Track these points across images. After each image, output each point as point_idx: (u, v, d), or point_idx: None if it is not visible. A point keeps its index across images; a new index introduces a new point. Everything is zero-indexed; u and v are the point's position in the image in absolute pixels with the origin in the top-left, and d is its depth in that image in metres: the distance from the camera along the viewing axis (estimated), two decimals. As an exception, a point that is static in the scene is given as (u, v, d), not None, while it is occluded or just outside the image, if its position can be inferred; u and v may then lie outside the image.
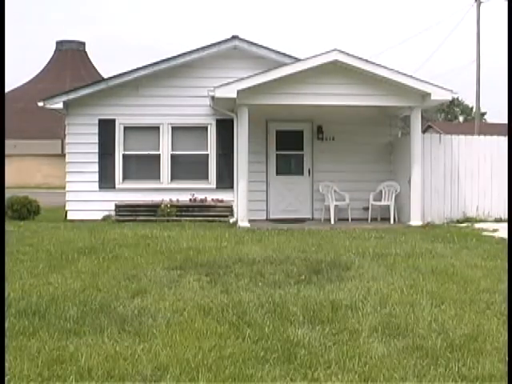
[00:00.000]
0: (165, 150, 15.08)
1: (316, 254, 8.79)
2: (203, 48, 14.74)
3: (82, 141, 14.90)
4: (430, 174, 14.18)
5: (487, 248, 9.54)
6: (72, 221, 14.12)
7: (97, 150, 14.95)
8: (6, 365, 4.02)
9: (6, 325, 4.87)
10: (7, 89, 41.18)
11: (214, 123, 15.06)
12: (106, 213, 14.50)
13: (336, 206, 14.47)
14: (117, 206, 14.54)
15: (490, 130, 30.83)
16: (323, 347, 4.51)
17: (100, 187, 14.91)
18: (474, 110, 40.35)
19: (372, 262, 8.05)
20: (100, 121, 14.94)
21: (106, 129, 14.92)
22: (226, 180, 14.85)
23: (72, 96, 14.78)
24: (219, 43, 14.79)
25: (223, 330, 4.92)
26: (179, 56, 14.82)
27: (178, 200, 14.58)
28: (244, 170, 13.40)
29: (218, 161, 15.08)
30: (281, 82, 13.10)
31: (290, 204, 15.36)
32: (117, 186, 14.95)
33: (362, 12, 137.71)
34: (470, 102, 63.84)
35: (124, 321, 5.16)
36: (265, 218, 15.07)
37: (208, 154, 15.10)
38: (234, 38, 14.80)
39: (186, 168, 15.11)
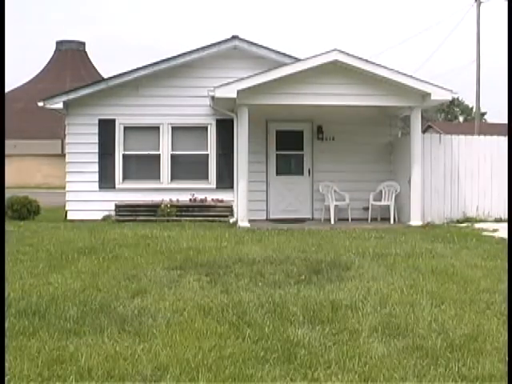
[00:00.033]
0: (165, 150, 15.08)
1: (316, 254, 8.79)
2: (203, 48, 14.74)
3: (82, 141, 14.90)
4: (430, 173, 14.18)
5: (487, 248, 9.54)
6: (72, 221, 14.13)
7: (97, 150, 14.95)
8: (6, 365, 4.02)
9: (6, 325, 4.87)
10: (7, 89, 41.17)
11: (213, 123, 15.06)
12: (106, 213, 14.51)
13: (336, 205, 14.47)
14: (117, 206, 14.54)
15: (490, 129, 30.84)
16: (323, 347, 4.51)
17: (100, 187, 14.92)
18: (474, 110, 40.33)
19: (372, 262, 8.05)
20: (100, 121, 14.94)
21: (106, 129, 14.92)
22: (226, 180, 14.85)
23: (72, 96, 14.78)
24: (219, 43, 14.79)
25: (223, 329, 4.92)
26: (179, 56, 14.82)
27: (178, 200, 14.59)
28: (244, 169, 13.40)
29: (218, 161, 15.08)
30: (281, 82, 13.10)
31: (290, 204, 15.36)
32: (117, 186, 14.95)
33: (362, 12, 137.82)
34: (469, 102, 63.88)
35: (124, 321, 5.16)
36: (265, 218, 15.07)
37: (208, 154, 15.11)
38: (234, 38, 14.80)
39: (186, 168, 15.11)
